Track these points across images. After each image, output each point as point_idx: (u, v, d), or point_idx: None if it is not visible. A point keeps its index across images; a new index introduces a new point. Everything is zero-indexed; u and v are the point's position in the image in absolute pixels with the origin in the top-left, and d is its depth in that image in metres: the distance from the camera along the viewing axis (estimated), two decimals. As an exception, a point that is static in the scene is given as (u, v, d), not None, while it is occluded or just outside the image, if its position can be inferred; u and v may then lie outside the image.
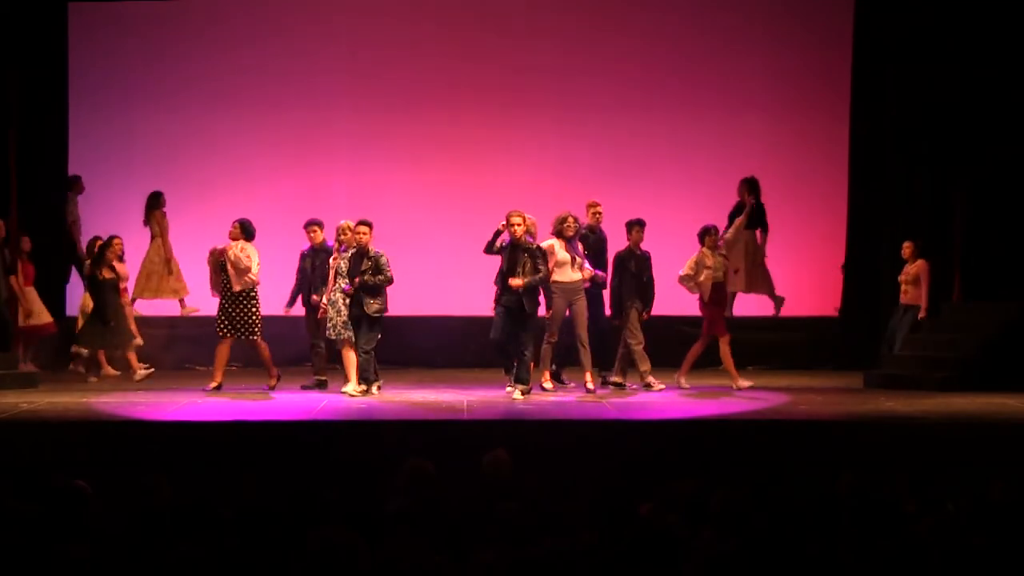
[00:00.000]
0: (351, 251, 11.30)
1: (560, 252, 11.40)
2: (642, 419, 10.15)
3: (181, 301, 14.24)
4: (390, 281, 11.23)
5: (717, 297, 11.92)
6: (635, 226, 11.84)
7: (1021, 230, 13.25)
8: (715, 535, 5.30)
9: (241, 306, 11.59)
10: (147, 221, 14.22)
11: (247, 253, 11.60)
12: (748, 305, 14.32)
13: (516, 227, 11.02)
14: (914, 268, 12.65)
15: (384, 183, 14.91)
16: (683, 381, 11.77)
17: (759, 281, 14.14)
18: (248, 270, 11.54)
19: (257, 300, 11.66)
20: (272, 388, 11.67)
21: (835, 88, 14.89)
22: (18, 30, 14.49)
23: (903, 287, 12.71)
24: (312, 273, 11.93)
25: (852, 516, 5.82)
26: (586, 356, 11.45)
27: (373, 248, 11.26)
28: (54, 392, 11.61)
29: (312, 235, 12.06)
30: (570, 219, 11.49)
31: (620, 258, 11.82)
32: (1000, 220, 13.35)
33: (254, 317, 11.62)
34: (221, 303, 11.67)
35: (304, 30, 15.24)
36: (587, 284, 11.58)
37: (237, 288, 11.55)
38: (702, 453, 9.06)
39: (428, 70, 15.19)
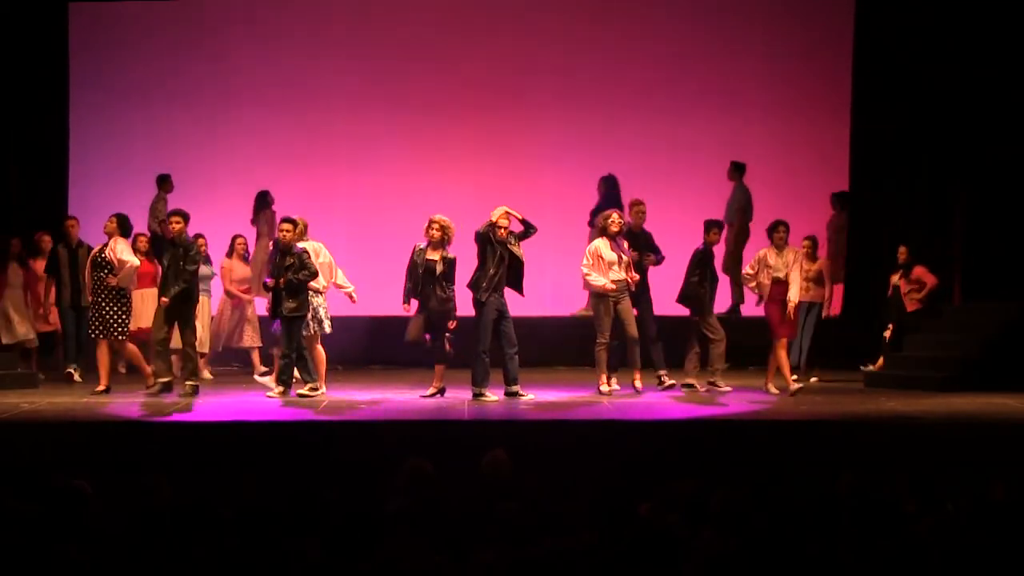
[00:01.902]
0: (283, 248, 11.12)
1: (607, 252, 11.29)
2: (642, 419, 10.13)
3: None
4: (314, 275, 11.13)
5: (780, 296, 11.54)
6: (714, 227, 11.74)
7: (1021, 230, 13.25)
8: (715, 535, 5.30)
9: (115, 305, 11.30)
10: (255, 220, 14.19)
11: (121, 248, 11.34)
12: (749, 307, 14.31)
13: (502, 229, 11.01)
14: (816, 265, 12.68)
15: (384, 183, 14.91)
16: (772, 388, 11.53)
17: None
18: (130, 266, 11.28)
19: (129, 300, 11.43)
20: (103, 392, 11.29)
21: (835, 88, 14.90)
22: (18, 30, 14.52)
23: (806, 284, 12.78)
24: (167, 267, 11.28)
25: (852, 516, 5.81)
26: (636, 355, 11.39)
27: (295, 245, 11.15)
28: (54, 392, 11.61)
29: (173, 227, 11.23)
30: (615, 215, 11.42)
31: (702, 256, 11.70)
32: (1000, 220, 13.35)
33: (124, 317, 11.37)
34: (97, 304, 11.32)
35: (305, 30, 15.25)
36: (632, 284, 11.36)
37: (113, 283, 11.28)
38: (702, 453, 9.05)
39: (427, 71, 15.21)
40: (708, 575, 4.94)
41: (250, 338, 13.31)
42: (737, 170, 14.52)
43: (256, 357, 13.19)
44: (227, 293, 13.27)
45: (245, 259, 13.46)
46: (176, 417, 10.14)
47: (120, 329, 11.36)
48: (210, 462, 8.73)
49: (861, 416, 10.16)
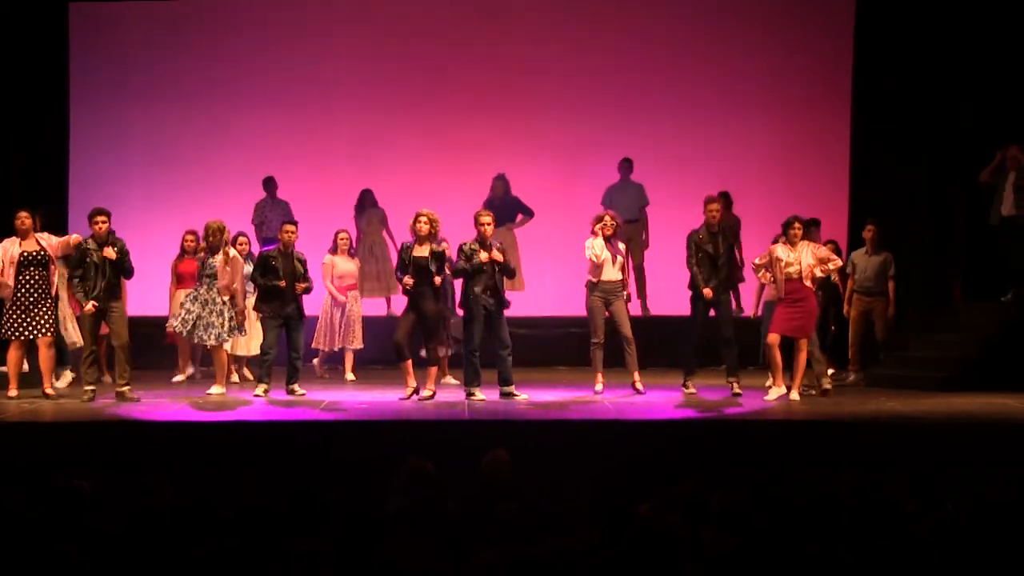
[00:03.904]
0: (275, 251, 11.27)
1: (601, 251, 11.31)
2: (642, 419, 10.13)
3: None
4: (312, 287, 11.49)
5: (795, 296, 11.04)
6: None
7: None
8: (715, 535, 5.30)
9: (51, 303, 11.07)
10: (358, 219, 14.16)
11: (46, 236, 11.10)
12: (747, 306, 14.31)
13: (486, 227, 10.99)
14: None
15: (385, 184, 14.88)
16: (796, 394, 11.12)
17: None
18: (61, 241, 11.03)
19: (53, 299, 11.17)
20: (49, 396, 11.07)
21: (835, 88, 14.90)
22: (18, 30, 14.51)
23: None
24: (84, 271, 10.93)
25: (852, 516, 5.82)
26: (631, 356, 11.35)
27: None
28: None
29: (99, 227, 10.82)
30: (607, 218, 11.37)
31: None
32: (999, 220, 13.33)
33: (53, 315, 11.12)
34: (30, 303, 10.94)
35: (306, 30, 15.25)
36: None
37: (55, 280, 11.09)
38: (702, 453, 9.06)
39: (429, 71, 15.21)
40: (708, 575, 4.94)
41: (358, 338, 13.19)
42: (629, 166, 14.54)
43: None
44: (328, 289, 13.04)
45: (350, 254, 13.22)
46: (176, 417, 10.14)
47: (51, 327, 11.08)
48: (210, 462, 8.73)
49: (861, 416, 10.17)
